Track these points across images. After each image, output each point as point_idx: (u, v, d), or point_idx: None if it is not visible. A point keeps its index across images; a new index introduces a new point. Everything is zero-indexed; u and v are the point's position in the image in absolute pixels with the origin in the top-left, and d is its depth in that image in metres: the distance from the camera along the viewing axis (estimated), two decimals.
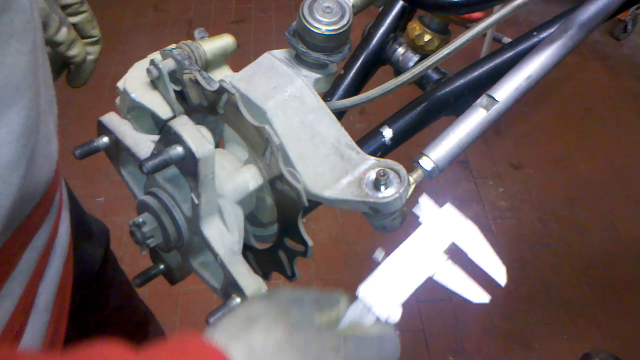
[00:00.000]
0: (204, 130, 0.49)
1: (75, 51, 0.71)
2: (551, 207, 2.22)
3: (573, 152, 2.43)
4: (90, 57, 0.75)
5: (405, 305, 0.48)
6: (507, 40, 2.47)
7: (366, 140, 0.70)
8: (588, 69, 2.79)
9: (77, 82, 0.76)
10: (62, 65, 0.74)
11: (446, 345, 1.84)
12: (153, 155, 0.49)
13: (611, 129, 2.53)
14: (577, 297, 1.93)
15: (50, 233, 0.58)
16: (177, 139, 0.48)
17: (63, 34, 0.68)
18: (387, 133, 0.69)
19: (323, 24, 0.55)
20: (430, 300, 1.94)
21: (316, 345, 0.44)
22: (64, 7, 0.71)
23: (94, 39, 0.76)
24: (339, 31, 0.55)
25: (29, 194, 0.51)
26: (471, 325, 1.88)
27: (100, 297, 1.00)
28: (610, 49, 2.90)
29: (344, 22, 0.55)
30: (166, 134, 0.49)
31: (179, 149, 0.48)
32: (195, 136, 0.47)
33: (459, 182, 2.30)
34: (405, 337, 1.87)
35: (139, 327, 1.16)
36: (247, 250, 0.64)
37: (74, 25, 0.72)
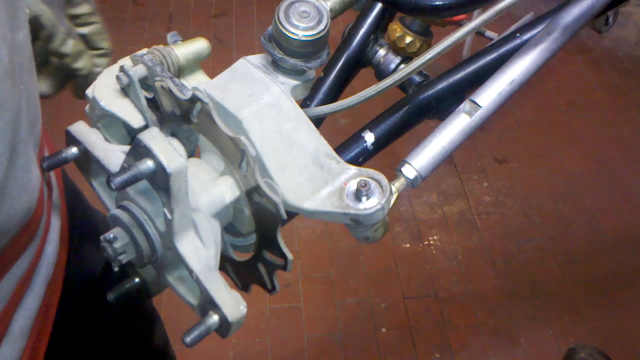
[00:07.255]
0: (175, 143, 0.46)
1: (81, 64, 0.67)
2: (535, 201, 2.22)
3: (556, 146, 2.44)
4: (97, 70, 0.71)
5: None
6: (489, 33, 2.46)
7: (347, 145, 0.68)
8: (570, 62, 2.80)
9: (83, 94, 0.73)
10: (67, 77, 0.71)
11: (432, 342, 1.84)
12: (122, 169, 0.46)
13: (594, 122, 2.54)
14: (562, 291, 1.94)
15: (32, 258, 0.55)
16: (147, 153, 0.45)
17: (69, 45, 0.65)
18: (369, 138, 0.68)
19: (300, 29, 0.53)
20: (416, 297, 1.94)
21: None
22: (74, 17, 0.68)
23: (102, 51, 0.72)
24: (316, 36, 0.53)
25: (1, 228, 0.47)
26: (457, 321, 1.88)
27: (103, 300, 0.96)
28: (591, 42, 2.91)
29: (322, 27, 0.53)
30: (136, 147, 0.46)
31: (149, 163, 0.45)
32: (166, 149, 0.45)
33: (443, 177, 2.29)
34: (392, 334, 1.88)
35: (143, 328, 1.10)
36: (226, 262, 0.62)
37: (83, 36, 0.69)
